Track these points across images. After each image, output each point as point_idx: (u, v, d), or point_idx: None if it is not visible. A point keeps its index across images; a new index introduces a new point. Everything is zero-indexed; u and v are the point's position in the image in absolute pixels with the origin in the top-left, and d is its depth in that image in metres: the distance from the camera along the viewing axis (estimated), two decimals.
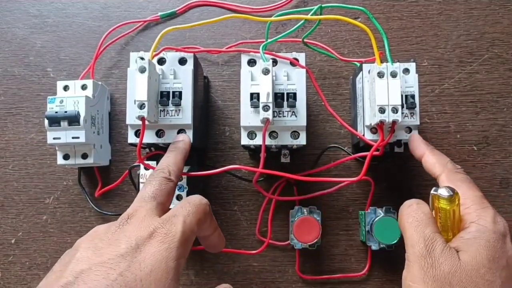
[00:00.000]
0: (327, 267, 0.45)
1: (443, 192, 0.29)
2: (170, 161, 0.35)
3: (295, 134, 0.39)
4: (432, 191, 0.30)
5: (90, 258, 0.25)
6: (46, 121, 0.41)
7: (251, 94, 0.38)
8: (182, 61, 0.40)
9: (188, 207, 0.30)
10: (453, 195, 0.29)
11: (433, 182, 0.45)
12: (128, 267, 0.25)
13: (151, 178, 0.32)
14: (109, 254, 0.25)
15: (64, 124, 0.41)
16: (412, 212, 0.30)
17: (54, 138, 0.41)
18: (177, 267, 0.26)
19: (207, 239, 0.34)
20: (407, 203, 0.32)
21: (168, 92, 0.39)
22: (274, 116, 0.37)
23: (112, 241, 0.26)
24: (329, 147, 0.46)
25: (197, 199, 0.31)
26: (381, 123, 0.36)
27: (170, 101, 0.38)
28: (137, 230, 0.27)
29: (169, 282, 0.25)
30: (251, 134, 0.39)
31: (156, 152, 0.42)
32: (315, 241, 0.41)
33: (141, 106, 0.35)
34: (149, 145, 0.41)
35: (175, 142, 0.38)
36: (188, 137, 0.38)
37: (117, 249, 0.26)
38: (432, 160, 0.35)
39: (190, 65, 0.40)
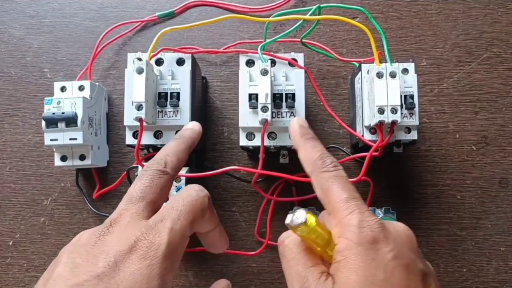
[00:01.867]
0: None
1: (289, 221, 0.25)
2: (170, 150, 0.30)
3: None
4: (286, 221, 0.26)
5: (67, 278, 0.23)
6: (43, 123, 0.40)
7: (250, 95, 0.38)
8: (180, 62, 0.40)
9: (179, 206, 0.26)
10: (300, 224, 0.25)
11: (433, 181, 0.45)
12: None
13: (143, 172, 0.29)
14: (86, 274, 0.23)
15: (61, 125, 0.40)
16: (283, 252, 0.27)
17: (51, 140, 0.41)
18: (161, 285, 0.24)
19: (207, 237, 0.30)
20: (279, 241, 0.28)
21: (166, 93, 0.38)
22: (272, 117, 0.37)
23: (91, 257, 0.24)
24: (328, 148, 0.46)
25: (193, 194, 0.27)
26: (380, 124, 0.36)
27: (168, 102, 0.38)
28: (117, 242, 0.24)
29: None
30: (250, 135, 0.39)
31: (154, 153, 0.42)
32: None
33: (139, 107, 0.35)
34: (147, 147, 0.41)
35: (182, 129, 0.34)
36: (198, 125, 0.34)
37: (94, 268, 0.23)
38: (302, 156, 0.30)
39: (188, 65, 0.39)
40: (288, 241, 0.27)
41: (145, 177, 0.28)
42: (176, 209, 0.26)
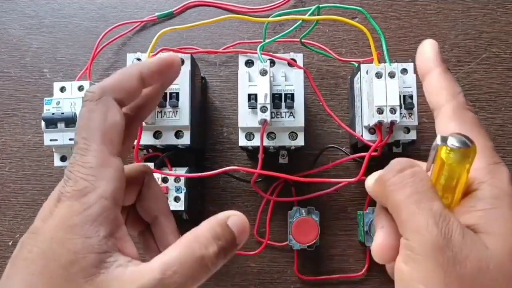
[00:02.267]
0: (325, 268, 0.45)
1: (455, 142, 0.21)
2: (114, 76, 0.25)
3: (293, 135, 0.39)
4: (437, 140, 0.22)
5: None
6: (43, 123, 0.40)
7: (249, 95, 0.38)
8: None
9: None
10: (470, 147, 0.21)
11: None
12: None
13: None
14: None
15: (61, 125, 0.40)
16: (408, 180, 0.22)
17: (51, 140, 0.41)
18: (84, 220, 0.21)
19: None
20: (395, 166, 0.23)
21: (166, 93, 0.38)
22: (272, 117, 0.37)
23: None
24: (327, 148, 0.46)
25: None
26: (379, 124, 0.36)
27: (167, 102, 0.38)
28: None
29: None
30: (249, 135, 0.39)
31: (154, 153, 0.42)
32: (313, 241, 0.41)
33: None
34: (147, 147, 0.41)
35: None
36: (173, 55, 0.28)
37: None
38: (440, 83, 0.26)
39: (187, 66, 0.39)
40: (416, 170, 0.23)
41: (82, 121, 0.24)
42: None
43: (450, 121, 0.24)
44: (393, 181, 0.22)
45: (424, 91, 0.27)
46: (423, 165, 0.25)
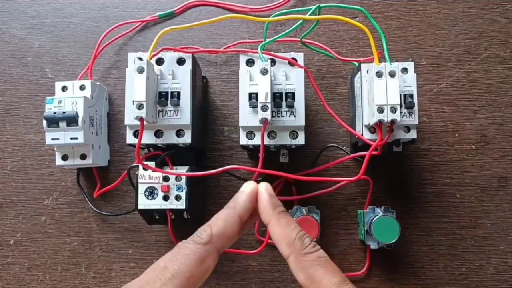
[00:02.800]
0: None
1: None
2: (217, 223, 0.29)
3: (293, 134, 0.39)
4: None
5: None
6: (45, 122, 0.40)
7: (250, 94, 0.38)
8: (181, 61, 0.40)
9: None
10: None
11: (432, 180, 0.45)
12: None
13: (179, 248, 0.28)
14: None
15: (62, 124, 0.40)
16: None
17: (52, 139, 0.41)
18: None
19: None
20: None
21: (167, 93, 0.39)
22: (272, 116, 0.37)
23: None
24: (327, 147, 0.46)
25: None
26: (380, 123, 0.36)
27: (168, 102, 0.38)
28: None
29: None
30: (250, 134, 0.39)
31: (155, 152, 0.42)
32: (314, 240, 0.41)
33: (140, 107, 0.35)
34: (148, 146, 0.41)
35: (237, 194, 0.31)
36: (254, 185, 0.31)
37: None
38: (276, 234, 0.29)
39: (188, 65, 0.40)
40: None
41: (181, 256, 0.27)
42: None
43: (297, 271, 0.27)
44: None
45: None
46: None
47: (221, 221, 0.29)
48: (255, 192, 0.31)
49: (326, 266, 0.27)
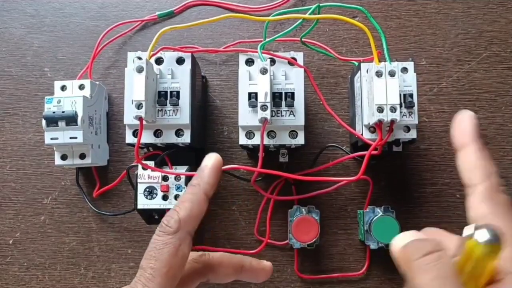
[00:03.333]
0: (325, 267, 0.45)
1: (484, 236, 0.21)
2: (184, 204, 0.29)
3: (293, 134, 0.39)
4: (466, 232, 0.22)
5: None
6: (44, 121, 0.40)
7: (249, 94, 0.38)
8: (180, 61, 0.40)
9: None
10: (498, 243, 0.21)
11: (432, 180, 0.45)
12: None
13: (153, 240, 0.28)
14: None
15: (61, 124, 0.40)
16: (433, 264, 0.22)
17: (51, 139, 0.41)
18: None
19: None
20: (423, 246, 0.23)
21: (166, 92, 0.38)
22: (272, 116, 0.37)
23: None
24: (327, 146, 0.46)
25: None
26: (380, 122, 0.36)
27: (168, 101, 0.38)
28: None
29: None
30: (249, 134, 0.39)
31: (154, 152, 0.42)
32: (313, 240, 0.41)
33: (139, 106, 0.35)
34: (147, 145, 0.41)
35: (199, 169, 0.30)
36: (217, 157, 0.31)
37: None
38: (473, 160, 0.26)
39: (188, 64, 0.39)
40: (443, 254, 0.22)
41: (155, 251, 0.27)
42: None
43: (482, 203, 0.24)
44: (418, 263, 0.22)
45: (458, 165, 0.26)
46: (451, 238, 0.25)
47: (187, 203, 0.28)
48: (218, 164, 0.30)
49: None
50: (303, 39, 0.43)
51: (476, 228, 0.21)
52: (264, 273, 0.33)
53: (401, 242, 0.24)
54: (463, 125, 0.26)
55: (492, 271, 0.22)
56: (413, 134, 0.39)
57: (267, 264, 0.33)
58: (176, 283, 0.27)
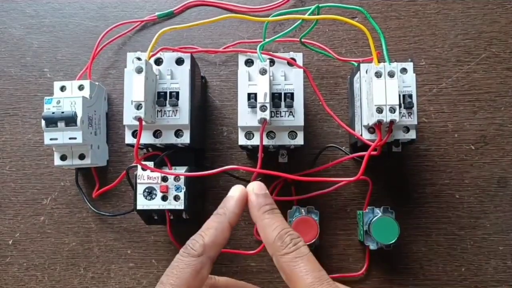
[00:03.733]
0: (325, 267, 0.44)
1: None
2: (208, 231, 0.30)
3: (292, 134, 0.39)
4: None
5: None
6: (43, 122, 0.40)
7: (249, 94, 0.38)
8: (179, 61, 0.40)
9: None
10: None
11: (432, 181, 0.45)
12: None
13: (177, 261, 0.29)
14: None
15: (61, 124, 0.40)
16: None
17: (51, 139, 0.41)
18: None
19: None
20: None
21: (165, 93, 0.38)
22: (271, 116, 0.37)
23: None
24: (327, 147, 0.46)
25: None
26: (379, 123, 0.36)
27: (167, 102, 0.38)
28: None
29: None
30: (249, 134, 0.39)
31: (154, 152, 0.42)
32: (313, 241, 0.41)
33: (138, 107, 0.35)
34: (147, 146, 0.41)
35: (225, 199, 0.32)
36: (242, 190, 0.32)
37: None
38: (261, 235, 0.30)
39: (187, 65, 0.39)
40: None
41: (177, 270, 0.28)
42: None
43: (280, 272, 0.29)
44: None
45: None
46: None
47: (213, 230, 0.30)
48: (244, 196, 0.31)
49: (302, 266, 0.27)
50: (302, 40, 0.43)
51: None
52: None
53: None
54: (248, 204, 0.31)
55: None
56: (412, 135, 0.39)
57: None
58: None
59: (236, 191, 0.32)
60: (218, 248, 0.30)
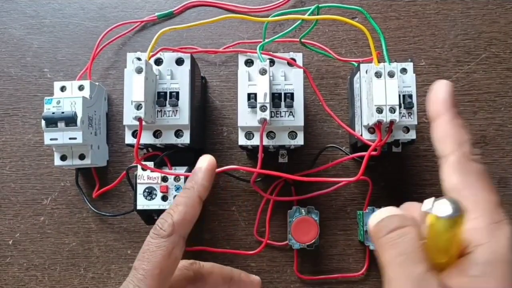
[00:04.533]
0: (325, 267, 0.45)
1: (441, 211, 0.20)
2: (178, 208, 0.29)
3: (292, 134, 0.39)
4: (425, 206, 0.21)
5: None
6: (43, 122, 0.40)
7: (249, 95, 0.38)
8: (179, 62, 0.40)
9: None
10: (458, 215, 0.20)
11: (432, 181, 0.45)
12: None
13: (147, 243, 0.28)
14: None
15: (61, 125, 0.40)
16: (396, 241, 0.22)
17: (51, 139, 0.41)
18: None
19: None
20: (387, 224, 0.23)
21: (165, 93, 0.38)
22: (271, 116, 0.37)
23: None
24: (327, 147, 0.46)
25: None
26: (379, 123, 0.36)
27: (167, 102, 0.38)
28: None
29: None
30: (249, 135, 0.39)
31: (154, 152, 0.42)
32: (313, 241, 0.41)
33: (138, 107, 0.35)
34: (147, 146, 0.41)
35: (193, 171, 0.31)
36: (211, 159, 0.31)
37: None
38: (445, 130, 0.25)
39: (187, 65, 0.40)
40: (405, 231, 0.22)
41: (148, 253, 0.28)
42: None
43: (454, 173, 0.24)
44: (384, 240, 0.23)
45: (432, 136, 0.26)
46: (419, 208, 0.24)
47: (181, 206, 0.29)
48: (212, 166, 0.30)
49: (488, 182, 0.23)
50: (302, 40, 0.43)
51: (435, 202, 0.21)
52: (252, 287, 0.34)
53: (375, 220, 0.24)
54: (437, 95, 0.26)
55: (459, 244, 0.22)
56: (412, 135, 0.39)
57: (255, 278, 0.33)
58: (167, 285, 0.27)
59: (203, 161, 0.30)
60: (189, 224, 0.29)
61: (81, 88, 0.44)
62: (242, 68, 0.40)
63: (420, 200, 0.46)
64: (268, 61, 0.37)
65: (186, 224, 0.29)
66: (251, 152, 0.45)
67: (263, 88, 0.36)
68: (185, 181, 0.40)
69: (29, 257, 0.46)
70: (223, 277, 0.33)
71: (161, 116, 0.38)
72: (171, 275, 0.28)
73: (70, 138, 0.41)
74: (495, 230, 0.21)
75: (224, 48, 0.47)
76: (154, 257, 0.27)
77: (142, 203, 0.39)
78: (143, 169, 0.39)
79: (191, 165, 0.41)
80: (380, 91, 0.36)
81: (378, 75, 0.36)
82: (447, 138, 0.25)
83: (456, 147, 0.24)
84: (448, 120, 0.25)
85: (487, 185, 0.23)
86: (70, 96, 0.42)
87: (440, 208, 0.20)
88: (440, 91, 0.26)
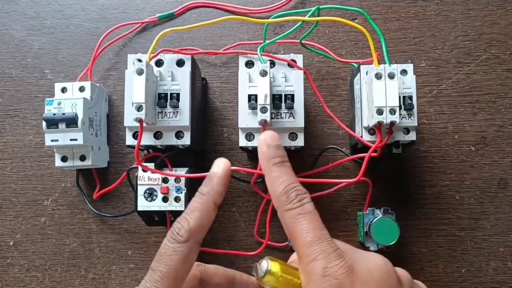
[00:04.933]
0: None
1: (256, 272, 0.27)
2: (193, 214, 0.29)
3: (293, 136, 0.39)
4: (252, 272, 0.28)
5: None
6: (44, 123, 0.41)
7: (249, 96, 0.38)
8: (180, 63, 0.40)
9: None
10: (264, 275, 0.26)
11: (432, 182, 0.45)
12: None
13: (164, 248, 0.29)
14: None
15: (62, 126, 0.41)
16: None
17: (52, 140, 0.41)
18: None
19: None
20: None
21: (166, 94, 0.39)
22: (272, 118, 0.37)
23: None
24: (327, 148, 0.46)
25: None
26: (379, 124, 0.36)
27: (168, 103, 0.38)
28: None
29: None
30: (249, 136, 0.39)
31: (154, 154, 0.42)
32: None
33: (139, 108, 0.35)
34: (147, 147, 0.41)
35: (207, 178, 0.31)
36: (226, 163, 0.31)
37: None
38: (268, 187, 0.29)
39: (187, 66, 0.40)
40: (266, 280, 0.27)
41: (165, 257, 0.28)
42: None
43: (284, 227, 0.28)
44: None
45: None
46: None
47: (197, 213, 0.29)
48: (227, 171, 0.31)
49: (304, 223, 0.26)
50: (302, 41, 0.43)
51: (258, 264, 0.27)
52: (253, 287, 0.35)
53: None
54: (259, 152, 0.29)
55: (296, 285, 0.26)
56: (412, 136, 0.39)
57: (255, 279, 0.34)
58: (181, 286, 0.29)
59: (218, 166, 0.31)
60: (204, 230, 0.29)
61: (82, 89, 0.44)
62: (242, 70, 0.40)
63: (420, 201, 0.46)
64: (268, 62, 0.37)
65: (202, 230, 0.29)
66: (252, 153, 0.45)
67: (263, 89, 0.36)
68: (185, 182, 0.40)
69: (30, 258, 0.46)
70: (226, 278, 0.34)
71: (162, 118, 0.38)
72: (186, 277, 0.29)
73: (71, 139, 0.41)
74: (310, 270, 0.25)
75: (225, 50, 0.47)
76: (171, 261, 0.28)
77: (143, 204, 0.39)
78: (144, 170, 0.39)
79: (191, 166, 0.41)
80: (380, 93, 0.36)
81: (378, 76, 0.36)
82: (270, 195, 0.29)
83: (275, 202, 0.28)
84: (266, 178, 0.29)
85: (302, 227, 0.26)
86: (71, 97, 0.42)
87: (258, 271, 0.27)
88: (260, 148, 0.29)
